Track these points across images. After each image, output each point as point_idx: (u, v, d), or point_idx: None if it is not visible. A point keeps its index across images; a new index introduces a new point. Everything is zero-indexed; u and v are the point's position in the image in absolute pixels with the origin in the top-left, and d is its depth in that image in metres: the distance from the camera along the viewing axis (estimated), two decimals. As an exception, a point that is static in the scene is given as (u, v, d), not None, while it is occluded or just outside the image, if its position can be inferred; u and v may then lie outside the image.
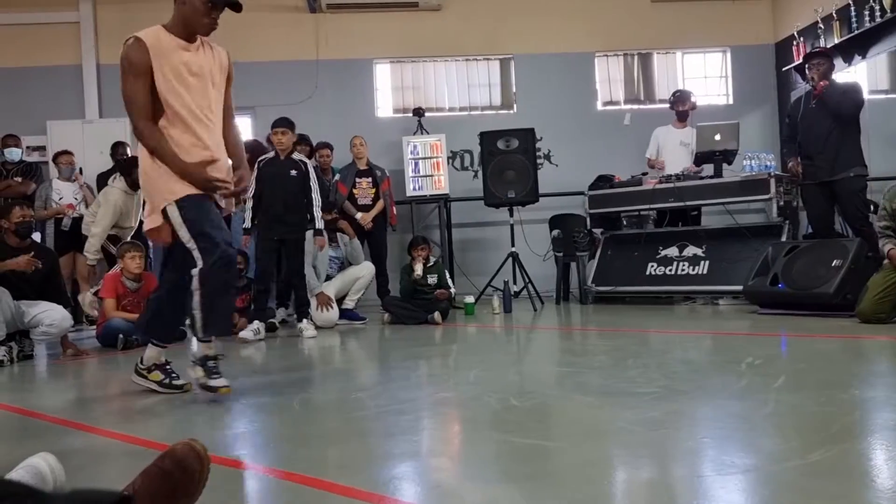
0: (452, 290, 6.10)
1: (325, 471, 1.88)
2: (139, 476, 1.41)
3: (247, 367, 4.07)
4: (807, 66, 5.56)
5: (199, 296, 2.79)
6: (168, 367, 3.17)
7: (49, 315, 4.49)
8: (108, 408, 3.13)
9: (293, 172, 5.29)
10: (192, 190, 2.82)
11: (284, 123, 5.38)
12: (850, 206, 5.30)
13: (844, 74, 6.97)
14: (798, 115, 5.56)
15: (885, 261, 4.35)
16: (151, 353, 3.13)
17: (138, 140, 2.91)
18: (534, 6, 8.34)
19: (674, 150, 6.69)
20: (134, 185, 5.79)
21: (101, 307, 5.18)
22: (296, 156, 5.43)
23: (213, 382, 2.90)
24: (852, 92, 5.40)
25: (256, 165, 5.22)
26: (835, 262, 4.74)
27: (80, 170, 6.80)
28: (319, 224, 5.39)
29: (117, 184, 5.86)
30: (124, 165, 5.99)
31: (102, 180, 6.65)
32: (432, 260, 6.17)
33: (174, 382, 3.13)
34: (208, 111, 2.98)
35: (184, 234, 2.80)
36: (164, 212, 2.85)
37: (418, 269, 5.79)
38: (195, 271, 2.78)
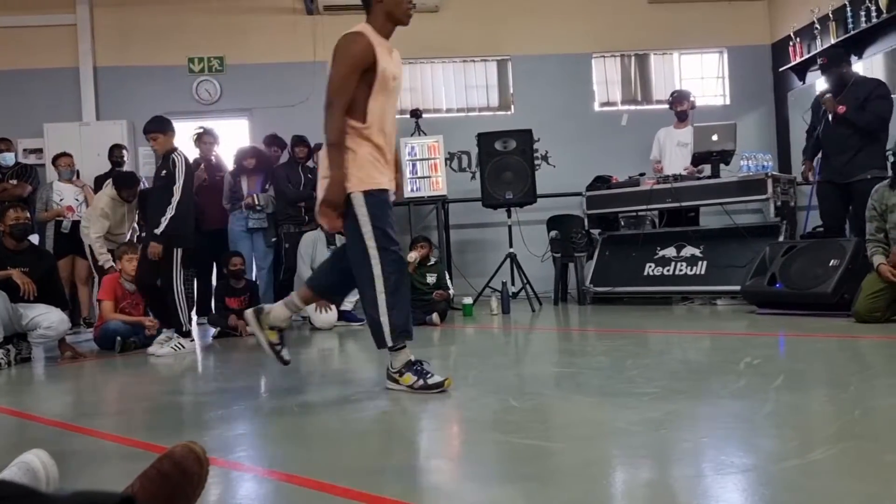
0: (451, 291, 6.11)
1: (324, 472, 1.88)
2: (138, 479, 1.41)
3: (244, 369, 4.06)
4: (822, 73, 5.49)
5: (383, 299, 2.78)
6: (418, 366, 2.87)
7: (46, 318, 4.49)
8: (106, 410, 3.13)
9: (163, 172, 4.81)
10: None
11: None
12: (864, 208, 5.25)
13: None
14: (819, 117, 5.49)
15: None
16: (400, 355, 2.89)
17: (327, 126, 2.78)
18: (531, 7, 8.35)
19: (672, 151, 6.70)
20: (127, 198, 5.81)
21: (99, 309, 5.18)
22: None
23: (433, 381, 2.80)
24: (877, 101, 5.16)
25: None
26: (832, 262, 4.74)
27: (78, 173, 6.80)
28: (159, 229, 4.62)
29: (107, 190, 5.87)
30: (117, 179, 5.97)
31: (99, 183, 6.66)
32: (432, 260, 6.18)
33: (429, 381, 2.82)
34: (392, 125, 2.92)
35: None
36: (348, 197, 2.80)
37: (412, 255, 5.78)
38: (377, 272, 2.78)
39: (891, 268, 4.19)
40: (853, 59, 6.99)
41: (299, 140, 6.61)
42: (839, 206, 5.43)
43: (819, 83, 7.14)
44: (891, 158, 4.33)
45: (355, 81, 2.78)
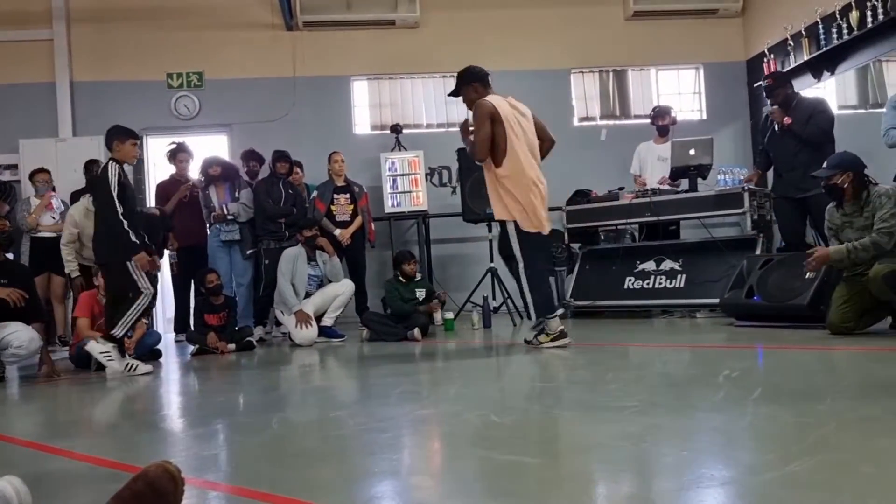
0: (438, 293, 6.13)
1: (303, 491, 1.85)
2: (112, 499, 1.38)
3: (223, 386, 4.02)
4: (766, 95, 5.71)
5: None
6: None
7: (17, 336, 4.41)
8: (80, 430, 3.07)
9: None
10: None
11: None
12: (822, 220, 5.38)
13: (814, 90, 7.11)
14: (766, 136, 5.69)
15: (844, 272, 4.41)
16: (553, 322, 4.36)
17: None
18: (510, 24, 8.43)
19: (653, 165, 6.78)
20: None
21: (75, 327, 5.11)
22: None
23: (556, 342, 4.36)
24: (819, 115, 5.48)
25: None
26: (808, 274, 4.80)
27: (54, 188, 6.73)
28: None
29: (83, 201, 5.81)
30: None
31: (76, 199, 6.59)
32: (418, 276, 6.19)
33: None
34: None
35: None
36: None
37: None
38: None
39: (817, 256, 4.30)
40: (825, 74, 7.15)
41: (281, 156, 6.58)
42: (797, 221, 5.62)
43: (764, 110, 7.32)
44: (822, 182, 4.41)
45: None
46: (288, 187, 6.51)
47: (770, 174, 6.14)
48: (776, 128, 5.62)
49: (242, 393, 3.70)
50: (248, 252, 6.47)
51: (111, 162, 4.55)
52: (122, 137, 4.59)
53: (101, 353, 4.44)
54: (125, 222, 4.43)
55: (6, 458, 2.50)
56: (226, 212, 6.37)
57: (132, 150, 4.62)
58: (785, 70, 7.56)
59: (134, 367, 4.45)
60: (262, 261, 6.38)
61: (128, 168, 4.68)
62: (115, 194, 4.42)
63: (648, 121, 7.00)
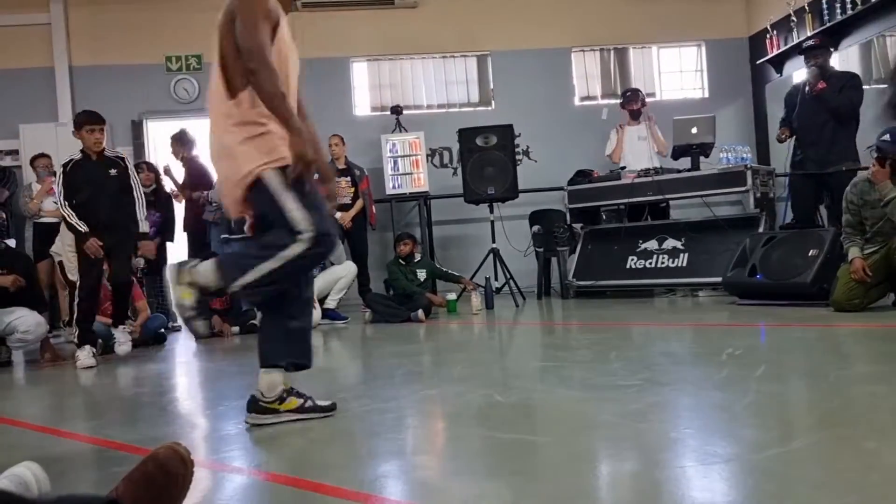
0: (450, 295, 6.11)
1: (309, 471, 1.87)
2: (122, 481, 1.40)
3: (228, 369, 4.04)
4: (805, 58, 5.65)
5: None
6: None
7: (24, 322, 4.44)
8: (88, 413, 3.10)
9: (112, 172, 4.65)
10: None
11: (97, 119, 4.62)
12: (840, 198, 5.34)
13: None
14: (795, 104, 5.64)
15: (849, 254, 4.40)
16: None
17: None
18: (509, 3, 8.35)
19: (633, 145, 6.83)
20: None
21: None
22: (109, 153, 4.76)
23: None
24: (851, 90, 5.45)
25: (63, 168, 4.60)
26: (811, 252, 4.80)
27: (55, 173, 6.71)
28: (144, 227, 4.79)
29: None
30: None
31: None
32: (418, 256, 6.19)
33: None
34: None
35: None
36: None
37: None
38: None
39: (864, 263, 4.23)
40: (829, 50, 7.09)
41: None
42: (810, 198, 5.59)
43: (796, 75, 7.25)
44: (874, 154, 4.34)
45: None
46: None
47: (789, 149, 6.02)
48: (807, 92, 5.56)
49: (246, 376, 3.71)
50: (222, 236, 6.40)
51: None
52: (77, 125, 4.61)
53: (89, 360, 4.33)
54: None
55: (15, 441, 2.52)
56: (208, 199, 6.33)
57: (88, 137, 4.55)
58: (789, 46, 7.52)
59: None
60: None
61: (128, 151, 4.68)
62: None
63: (619, 105, 7.07)
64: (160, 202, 6.22)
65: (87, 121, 4.56)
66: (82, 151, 4.61)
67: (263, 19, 2.27)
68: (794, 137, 5.84)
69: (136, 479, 1.40)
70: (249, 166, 2.29)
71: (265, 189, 2.28)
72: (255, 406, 2.40)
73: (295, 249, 2.23)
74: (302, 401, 2.46)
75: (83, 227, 4.43)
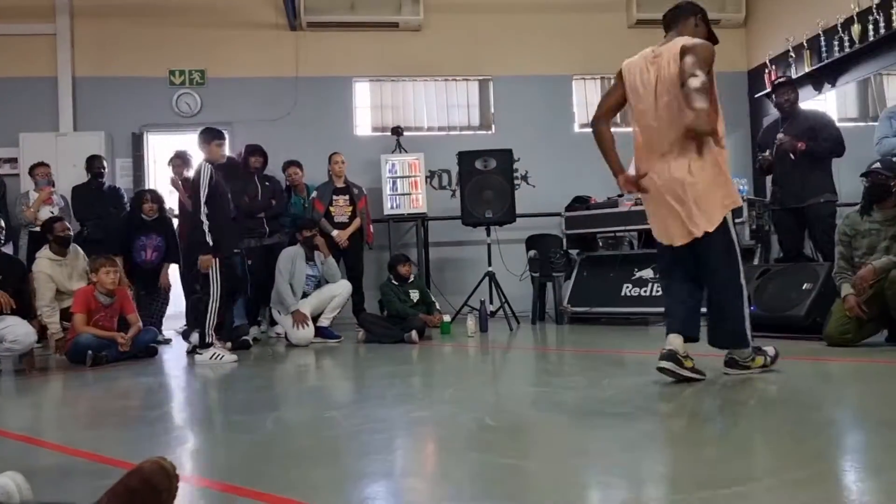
0: (438, 309, 6.11)
1: (297, 490, 1.85)
2: (105, 494, 1.38)
3: (219, 385, 4.01)
4: (775, 95, 5.73)
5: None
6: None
7: (12, 331, 4.40)
8: (75, 425, 3.07)
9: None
10: None
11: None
12: (820, 231, 5.38)
13: (814, 102, 7.12)
14: (769, 142, 5.69)
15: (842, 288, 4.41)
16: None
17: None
18: (513, 29, 8.44)
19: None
20: (59, 248, 5.35)
21: (72, 322, 5.07)
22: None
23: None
24: (825, 128, 5.45)
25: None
26: (805, 285, 4.81)
27: (53, 182, 6.72)
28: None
29: (42, 253, 5.34)
30: (47, 228, 5.47)
31: (77, 194, 6.58)
32: (412, 277, 6.19)
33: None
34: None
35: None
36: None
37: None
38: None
39: (858, 300, 4.23)
40: (826, 87, 7.17)
41: (254, 150, 6.47)
42: (797, 233, 5.61)
43: (765, 120, 7.33)
44: (865, 183, 4.40)
45: None
46: (264, 181, 6.44)
47: (768, 185, 6.14)
48: (781, 128, 5.59)
49: (238, 392, 3.69)
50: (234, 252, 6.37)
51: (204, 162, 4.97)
52: (205, 138, 5.04)
53: (211, 357, 4.75)
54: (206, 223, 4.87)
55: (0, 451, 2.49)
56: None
57: (217, 150, 5.03)
58: (805, 75, 7.59)
59: (220, 356, 4.76)
60: (244, 261, 6.18)
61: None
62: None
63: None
64: (163, 227, 6.26)
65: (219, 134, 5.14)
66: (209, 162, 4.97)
67: None
68: (770, 176, 5.91)
69: (120, 492, 1.38)
70: None
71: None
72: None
73: None
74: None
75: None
